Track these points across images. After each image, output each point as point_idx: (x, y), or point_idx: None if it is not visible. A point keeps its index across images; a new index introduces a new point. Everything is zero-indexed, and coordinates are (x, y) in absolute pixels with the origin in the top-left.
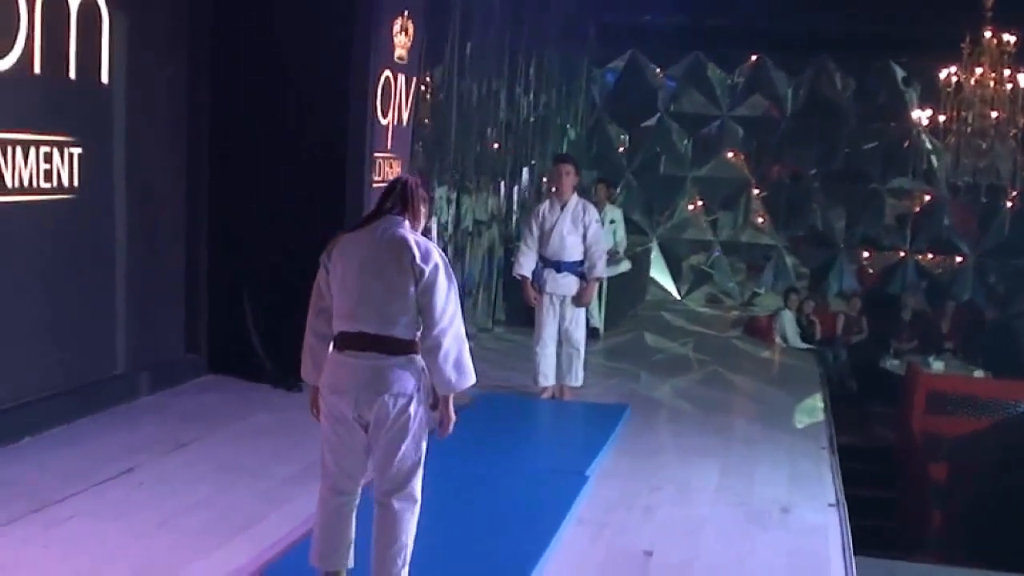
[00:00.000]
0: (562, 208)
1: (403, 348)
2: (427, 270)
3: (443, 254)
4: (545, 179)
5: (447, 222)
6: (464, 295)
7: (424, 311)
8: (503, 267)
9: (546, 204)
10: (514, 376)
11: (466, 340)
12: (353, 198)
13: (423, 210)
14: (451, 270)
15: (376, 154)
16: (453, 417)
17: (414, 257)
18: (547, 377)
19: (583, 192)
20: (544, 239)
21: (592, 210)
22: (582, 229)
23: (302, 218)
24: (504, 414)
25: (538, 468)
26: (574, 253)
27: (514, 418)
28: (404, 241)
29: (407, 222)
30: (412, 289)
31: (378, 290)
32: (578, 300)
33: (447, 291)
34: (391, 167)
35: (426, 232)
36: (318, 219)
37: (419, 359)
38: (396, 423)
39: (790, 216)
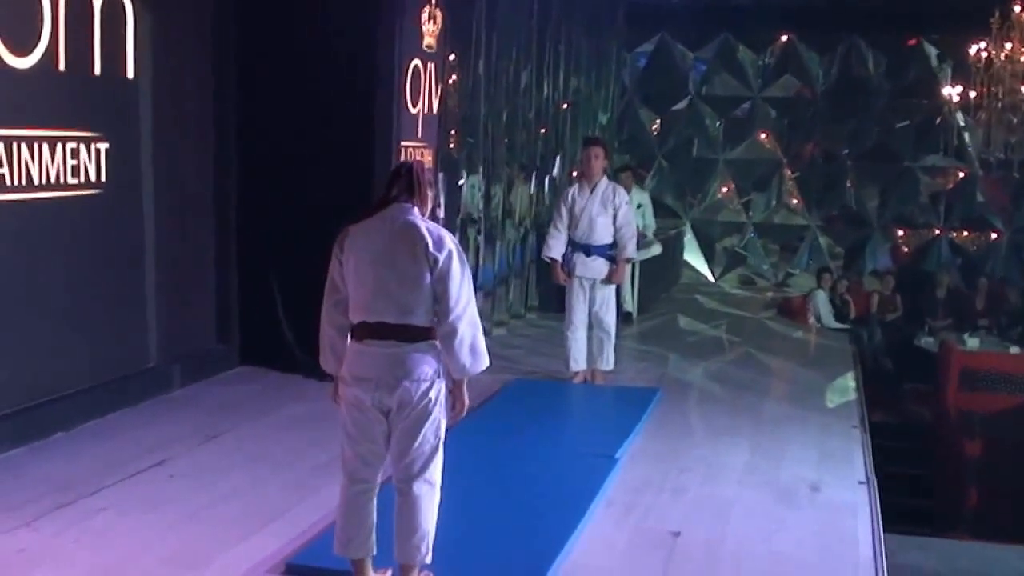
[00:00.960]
0: (591, 191)
1: (422, 335)
2: (441, 258)
3: (455, 239)
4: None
5: (479, 209)
6: (496, 283)
7: (440, 298)
8: (535, 253)
9: (575, 187)
10: (546, 362)
11: (479, 324)
12: (381, 187)
13: (430, 194)
14: (464, 255)
15: (405, 143)
16: (467, 401)
17: (427, 246)
18: (578, 361)
19: (612, 177)
20: (574, 222)
21: (622, 192)
22: (612, 211)
23: (330, 208)
24: (536, 399)
25: (568, 451)
26: (604, 236)
27: (545, 402)
28: (416, 229)
29: (415, 208)
30: (427, 278)
31: (393, 281)
32: (608, 280)
33: (461, 277)
34: (421, 155)
35: (434, 217)
36: (346, 209)
37: (437, 345)
38: (418, 407)
39: (823, 196)
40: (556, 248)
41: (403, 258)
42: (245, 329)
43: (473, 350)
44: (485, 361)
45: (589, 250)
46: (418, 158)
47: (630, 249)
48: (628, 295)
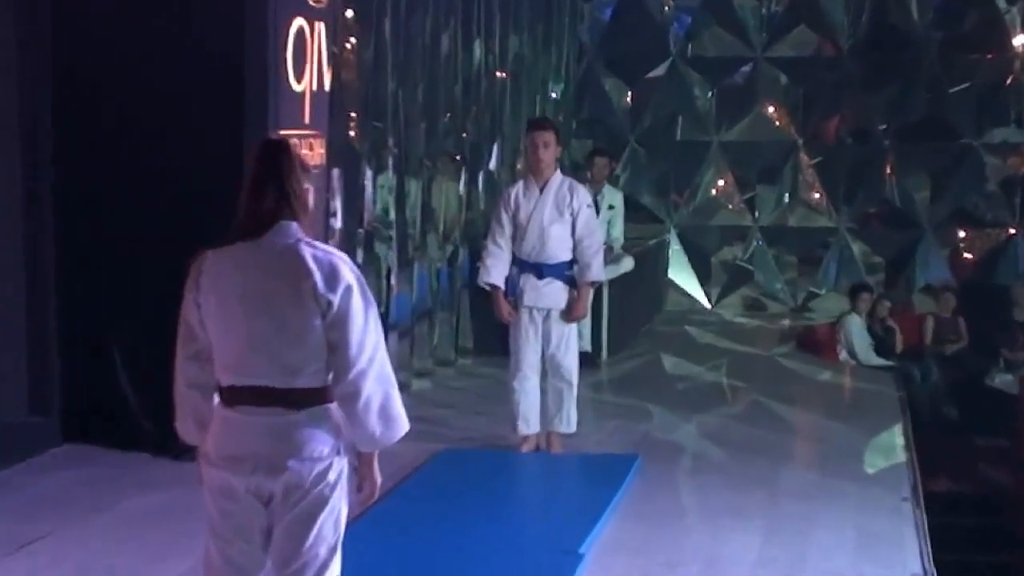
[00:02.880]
0: (541, 191)
1: (314, 398)
2: (336, 299)
3: (353, 267)
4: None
5: (388, 217)
6: (415, 319)
7: (336, 349)
8: (468, 276)
9: (519, 186)
10: (486, 424)
11: (393, 378)
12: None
13: (309, 196)
14: (366, 287)
15: (286, 131)
16: (378, 480)
17: (316, 285)
18: (529, 423)
19: (573, 170)
20: (519, 234)
21: (581, 191)
22: (569, 218)
23: (186, 224)
24: (474, 475)
25: (518, 546)
26: (559, 251)
27: (487, 480)
28: (299, 261)
29: (294, 224)
30: (318, 325)
31: (272, 333)
32: (568, 314)
33: (364, 319)
34: (311, 148)
35: (327, 229)
36: (210, 228)
37: (335, 409)
38: (311, 494)
39: (854, 188)
40: (496, 270)
41: (283, 301)
42: (69, 395)
43: (385, 414)
44: (403, 426)
45: (541, 271)
46: (305, 151)
47: (595, 268)
48: (590, 329)
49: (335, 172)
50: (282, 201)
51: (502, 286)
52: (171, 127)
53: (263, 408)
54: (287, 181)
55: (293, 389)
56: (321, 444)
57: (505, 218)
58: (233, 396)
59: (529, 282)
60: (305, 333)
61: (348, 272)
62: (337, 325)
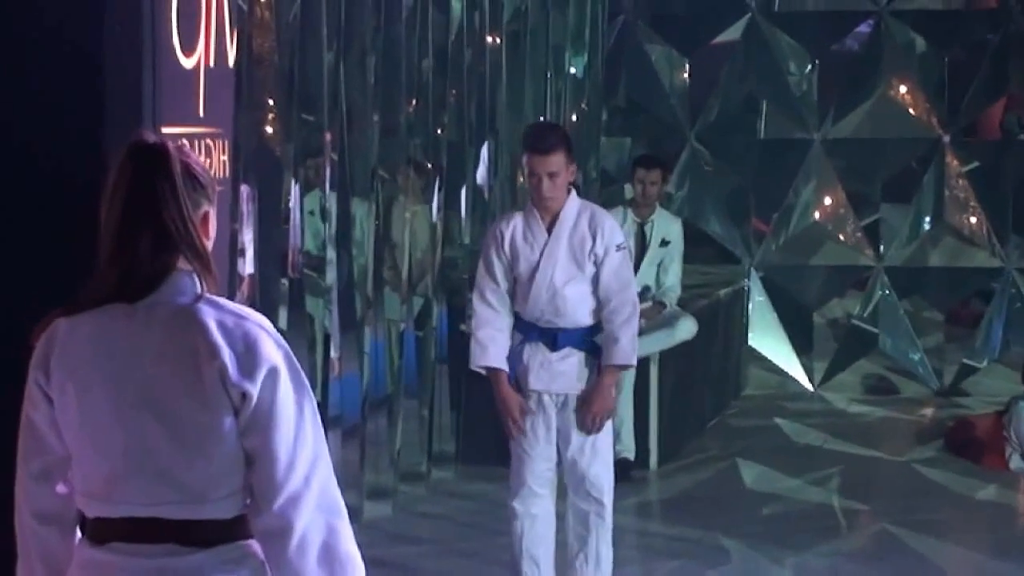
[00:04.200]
0: (550, 230)
1: (226, 533)
2: (255, 389)
3: (278, 337)
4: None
5: (324, 257)
6: (367, 411)
7: (256, 463)
8: (445, 344)
9: (517, 223)
10: (473, 568)
11: (340, 504)
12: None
13: (206, 215)
14: (298, 367)
15: (171, 128)
16: None
17: (225, 368)
18: (540, 565)
19: (603, 186)
20: (520, 291)
21: (608, 225)
22: (592, 267)
23: (22, 270)
24: None
25: None
26: (580, 314)
27: None
28: (198, 333)
29: (186, 276)
30: (229, 425)
31: (160, 441)
32: (588, 408)
33: (297, 418)
34: (208, 154)
35: (233, 267)
36: (53, 272)
37: (256, 548)
38: None
39: None
40: (495, 346)
41: (176, 394)
42: None
43: (328, 556)
44: (356, 572)
45: (555, 340)
46: (196, 157)
47: (625, 345)
48: (629, 426)
49: (244, 190)
50: (164, 242)
51: (505, 368)
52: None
53: (148, 546)
54: (170, 209)
55: (194, 522)
56: None
57: (498, 267)
58: (102, 531)
59: (537, 355)
60: (209, 440)
61: (272, 347)
62: (257, 428)
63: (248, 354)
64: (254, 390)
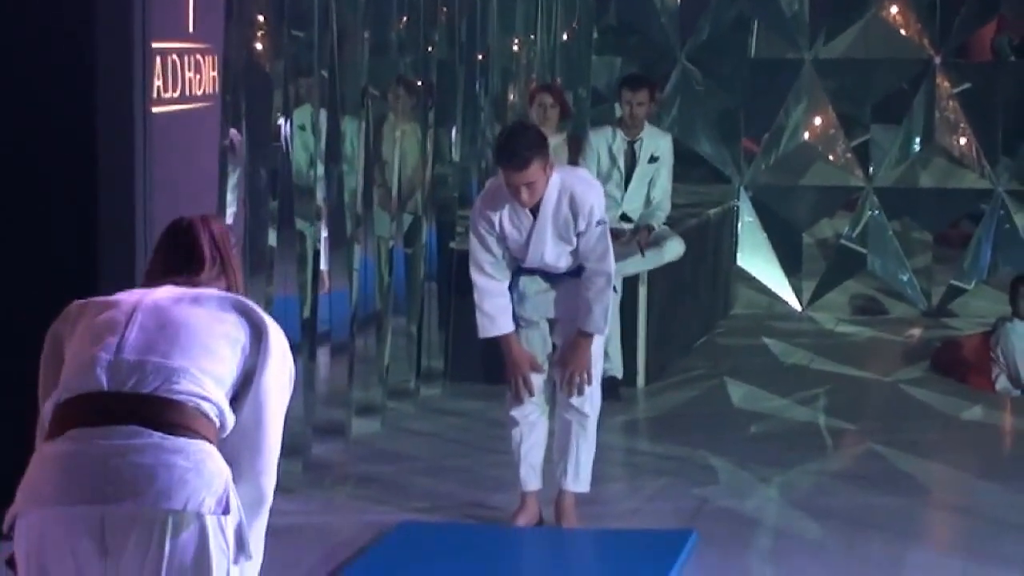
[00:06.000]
0: (534, 214)
1: (202, 427)
2: (268, 343)
3: (279, 331)
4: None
5: (314, 175)
6: (356, 328)
7: (248, 422)
8: (435, 262)
9: (503, 209)
10: (463, 484)
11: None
12: (117, 148)
13: (237, 266)
14: (286, 345)
15: (161, 43)
16: None
17: (259, 318)
18: (535, 472)
19: (594, 106)
20: (510, 255)
21: (588, 201)
22: (575, 239)
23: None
24: (446, 561)
25: None
26: (567, 264)
27: (467, 569)
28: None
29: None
30: (244, 345)
31: (180, 313)
32: (565, 367)
33: (284, 396)
34: (197, 70)
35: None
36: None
37: (222, 463)
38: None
39: (1021, 130)
40: (502, 316)
41: (197, 319)
42: None
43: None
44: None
45: (548, 276)
46: (189, 74)
47: (597, 316)
48: (617, 345)
49: (233, 105)
50: (195, 259)
51: (512, 329)
52: None
53: (105, 428)
54: (213, 245)
55: (163, 399)
56: (201, 489)
57: (491, 240)
58: (63, 419)
59: (532, 286)
60: (216, 337)
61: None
62: (259, 383)
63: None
64: (269, 342)
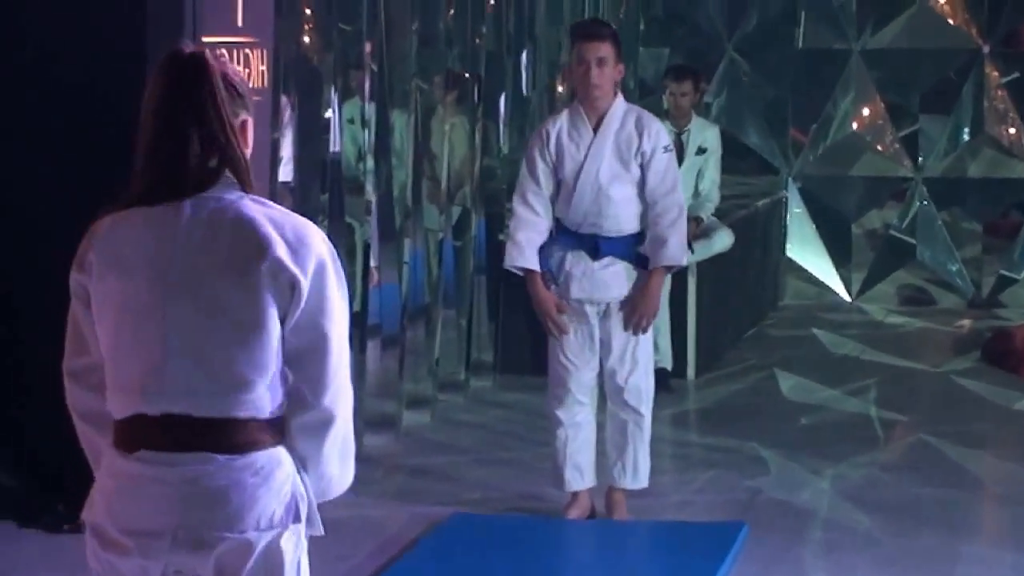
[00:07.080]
0: (596, 129)
1: (259, 437)
2: (306, 280)
3: (324, 235)
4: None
5: (363, 168)
6: (405, 321)
7: (306, 356)
8: (485, 254)
9: (562, 122)
10: (514, 476)
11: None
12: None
13: (245, 122)
14: (340, 267)
15: (211, 37)
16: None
17: (278, 259)
18: (582, 473)
19: (640, 97)
20: (563, 194)
21: (656, 127)
22: (637, 169)
23: (60, 188)
24: (498, 554)
25: None
26: (625, 219)
27: (518, 560)
28: (247, 223)
29: (236, 189)
30: (272, 320)
31: (201, 329)
32: (631, 312)
33: (344, 312)
34: (247, 64)
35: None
36: (89, 193)
37: (285, 456)
38: None
39: None
40: (531, 247)
41: (225, 284)
42: None
43: (345, 449)
44: (351, 472)
45: (597, 247)
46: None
47: (674, 245)
48: (667, 336)
49: (284, 100)
50: (209, 148)
51: (539, 269)
52: (40, 32)
53: (182, 453)
54: (210, 115)
55: (228, 420)
56: (269, 506)
57: (542, 169)
58: (133, 435)
59: (579, 263)
60: (251, 333)
61: (320, 240)
62: (308, 322)
63: (300, 244)
64: (305, 281)
